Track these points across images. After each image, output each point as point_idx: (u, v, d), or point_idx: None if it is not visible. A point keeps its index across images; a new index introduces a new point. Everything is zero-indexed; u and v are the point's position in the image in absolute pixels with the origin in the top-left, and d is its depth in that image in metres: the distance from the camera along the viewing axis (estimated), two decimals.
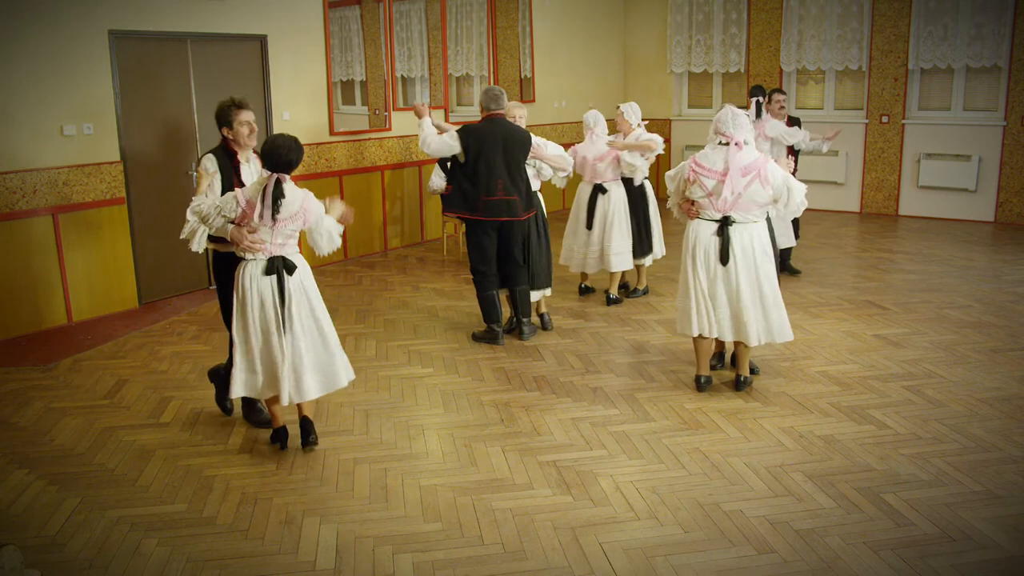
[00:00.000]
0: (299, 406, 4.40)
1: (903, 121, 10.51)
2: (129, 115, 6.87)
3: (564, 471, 4.12)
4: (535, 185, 6.17)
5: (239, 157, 4.48)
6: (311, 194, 4.26)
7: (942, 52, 10.10)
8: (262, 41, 7.74)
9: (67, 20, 6.38)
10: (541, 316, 6.38)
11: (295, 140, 4.14)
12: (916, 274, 7.82)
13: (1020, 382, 5.16)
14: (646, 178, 6.94)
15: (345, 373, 4.39)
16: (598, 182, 6.78)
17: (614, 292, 6.99)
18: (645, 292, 7.23)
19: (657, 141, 6.71)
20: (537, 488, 3.96)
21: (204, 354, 5.93)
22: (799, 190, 4.77)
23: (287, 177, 4.11)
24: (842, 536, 3.50)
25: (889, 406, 4.84)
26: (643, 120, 7.09)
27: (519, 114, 6.15)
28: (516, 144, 5.78)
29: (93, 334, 6.40)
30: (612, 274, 6.94)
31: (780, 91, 7.57)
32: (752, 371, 5.35)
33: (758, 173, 4.71)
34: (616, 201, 6.79)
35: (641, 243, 6.98)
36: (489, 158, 5.73)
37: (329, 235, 4.29)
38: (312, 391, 4.28)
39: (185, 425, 4.76)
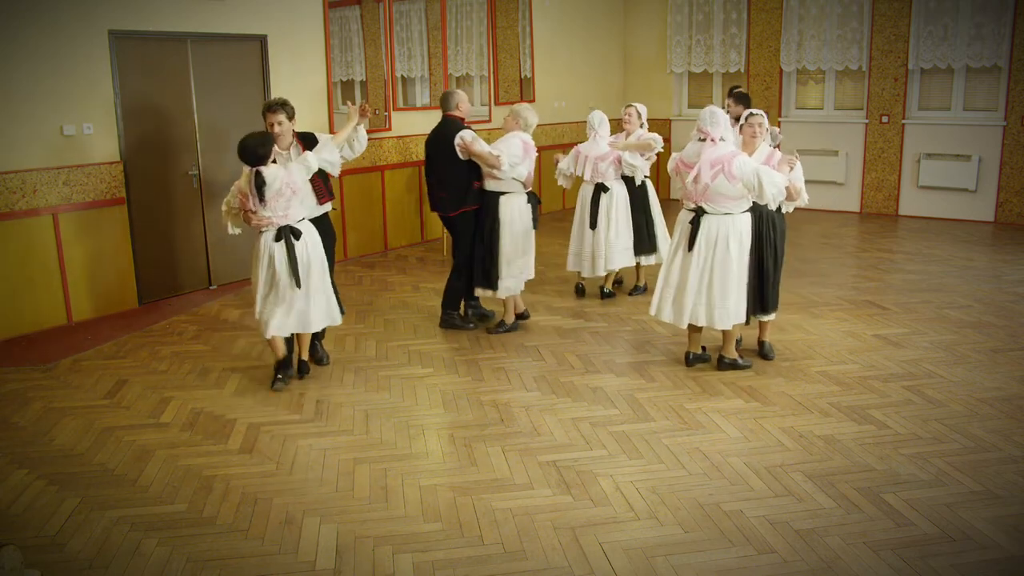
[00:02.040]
0: (300, 347, 5.36)
1: (903, 121, 10.51)
2: (129, 115, 6.86)
3: (564, 471, 4.12)
4: (496, 185, 6.04)
5: (274, 152, 5.06)
6: (292, 166, 5.03)
7: (942, 52, 10.09)
8: (262, 41, 7.74)
9: (67, 20, 6.38)
10: (519, 314, 6.39)
11: (262, 135, 4.95)
12: (916, 274, 7.82)
13: (1020, 382, 5.16)
14: (647, 177, 7.01)
15: (330, 317, 5.33)
16: (599, 181, 6.85)
17: (608, 287, 7.14)
18: (644, 290, 7.27)
19: (656, 139, 6.82)
20: (537, 488, 3.96)
21: (204, 354, 5.93)
22: (771, 183, 4.96)
23: (264, 168, 4.86)
24: (842, 536, 3.50)
25: (889, 406, 4.84)
26: (645, 120, 7.16)
27: (514, 116, 6.17)
28: (441, 143, 6.10)
29: (93, 334, 6.40)
30: (609, 269, 7.02)
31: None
32: (765, 355, 5.65)
33: (723, 167, 5.01)
34: (618, 199, 6.87)
35: (642, 241, 7.05)
36: (428, 157, 6.31)
37: (331, 166, 5.32)
38: (315, 325, 5.25)
39: (185, 425, 4.76)
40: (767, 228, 5.32)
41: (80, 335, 6.38)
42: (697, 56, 11.91)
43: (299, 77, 8.06)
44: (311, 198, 5.30)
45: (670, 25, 12.02)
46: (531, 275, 6.32)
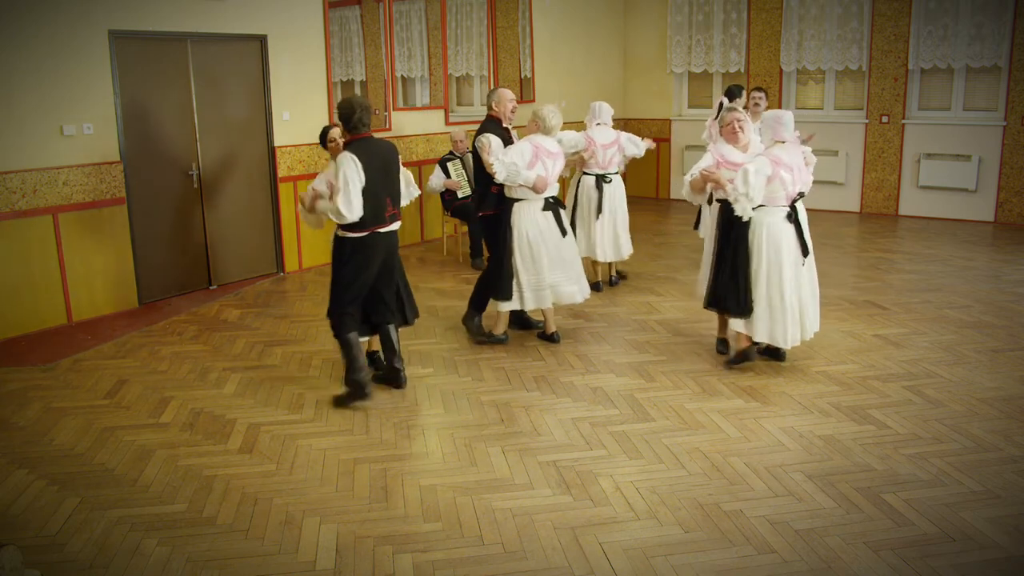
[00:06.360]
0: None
1: (903, 121, 10.50)
2: (129, 115, 6.86)
3: (564, 471, 4.12)
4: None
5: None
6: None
7: (942, 52, 10.09)
8: (262, 41, 7.74)
9: (67, 20, 6.38)
10: (547, 335, 6.21)
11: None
12: (916, 274, 7.82)
13: (1020, 382, 5.16)
14: (600, 176, 7.16)
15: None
16: (601, 172, 7.18)
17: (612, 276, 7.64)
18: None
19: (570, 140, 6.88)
20: (537, 488, 3.96)
21: (204, 354, 5.93)
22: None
23: None
24: (842, 536, 3.50)
25: (889, 406, 4.84)
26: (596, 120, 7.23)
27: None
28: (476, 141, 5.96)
29: (93, 334, 6.40)
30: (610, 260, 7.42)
31: (758, 89, 7.63)
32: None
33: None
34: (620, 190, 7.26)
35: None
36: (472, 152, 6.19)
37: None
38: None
39: (185, 425, 4.76)
40: (736, 227, 5.26)
41: (80, 335, 6.38)
42: (697, 56, 11.91)
43: (299, 77, 8.06)
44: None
45: (670, 25, 12.02)
46: (570, 296, 5.93)
